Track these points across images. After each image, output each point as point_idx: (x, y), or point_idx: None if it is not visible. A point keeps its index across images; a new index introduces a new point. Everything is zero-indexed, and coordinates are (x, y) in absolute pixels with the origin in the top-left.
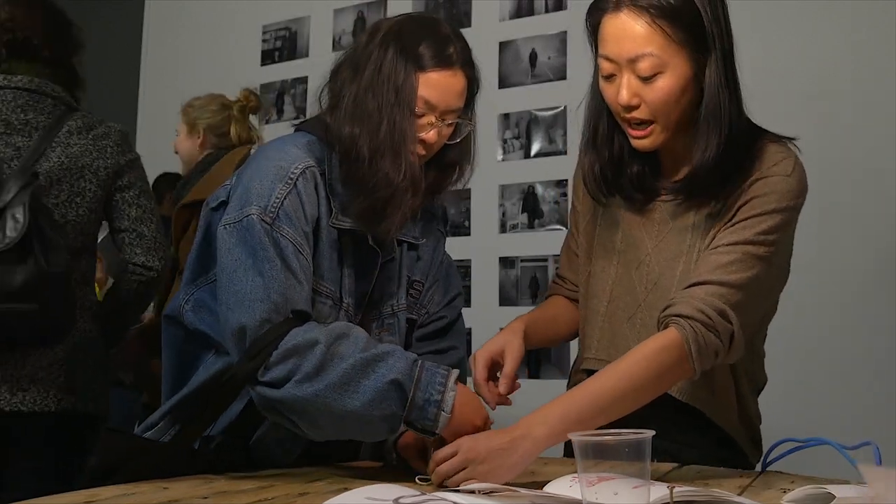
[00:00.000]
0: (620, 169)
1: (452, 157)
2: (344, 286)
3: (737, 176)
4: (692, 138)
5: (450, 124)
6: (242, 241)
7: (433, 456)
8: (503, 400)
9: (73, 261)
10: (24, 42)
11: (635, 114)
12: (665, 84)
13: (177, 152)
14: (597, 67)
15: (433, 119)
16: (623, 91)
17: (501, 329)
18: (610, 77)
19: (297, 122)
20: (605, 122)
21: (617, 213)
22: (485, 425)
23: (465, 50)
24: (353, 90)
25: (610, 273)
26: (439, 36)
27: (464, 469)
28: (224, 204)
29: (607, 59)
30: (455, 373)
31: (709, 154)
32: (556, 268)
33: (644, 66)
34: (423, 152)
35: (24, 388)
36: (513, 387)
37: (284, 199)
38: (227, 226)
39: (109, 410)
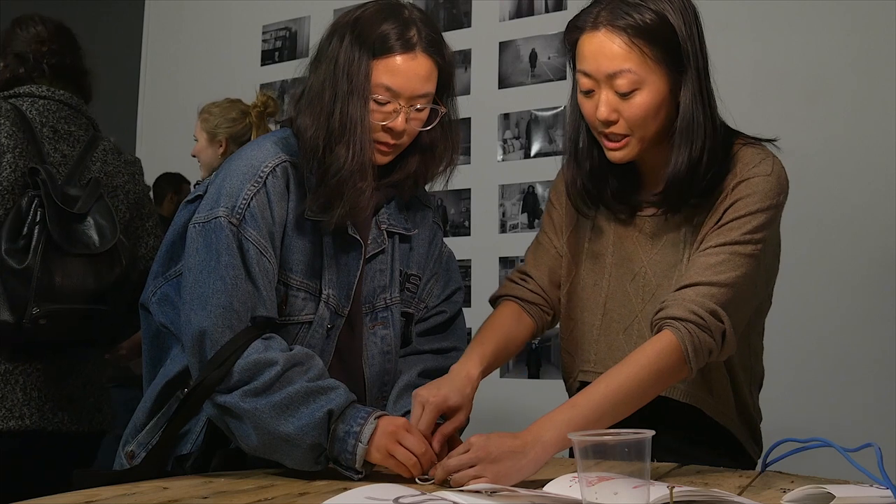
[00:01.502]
0: (601, 182)
1: (431, 143)
2: (325, 278)
3: (717, 182)
4: (670, 154)
5: (419, 109)
6: (209, 243)
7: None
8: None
9: None
10: (68, 67)
11: (613, 128)
12: (642, 100)
13: (194, 156)
14: (575, 83)
15: (398, 105)
16: (602, 107)
17: (453, 368)
18: (588, 93)
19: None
20: (584, 135)
21: (605, 226)
22: (409, 443)
23: (431, 34)
24: (311, 82)
25: (602, 286)
26: (398, 20)
27: (473, 466)
28: (200, 198)
29: (586, 74)
30: (378, 412)
31: (680, 167)
32: (521, 262)
33: (622, 83)
34: (393, 140)
35: (64, 407)
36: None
37: (252, 198)
38: (197, 224)
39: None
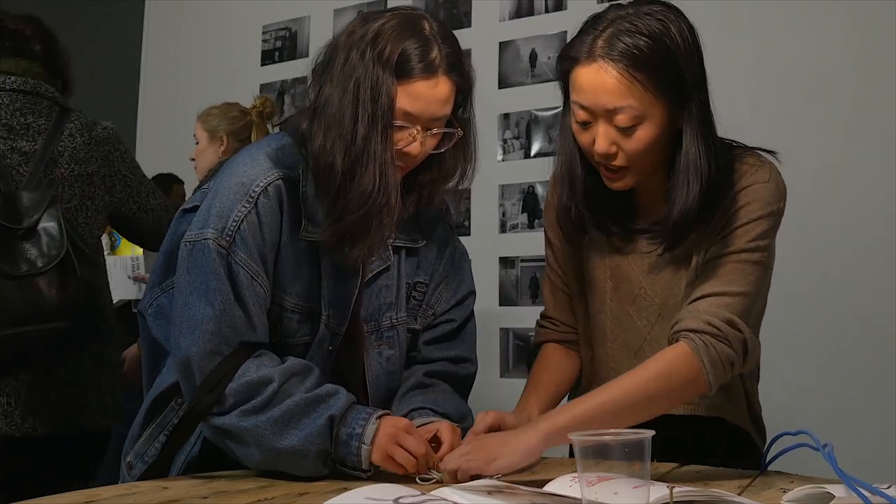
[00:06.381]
0: (595, 205)
1: (446, 162)
2: (324, 298)
3: (718, 201)
4: (666, 178)
5: (434, 134)
6: (197, 265)
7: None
8: None
9: None
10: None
11: (613, 162)
12: (644, 134)
13: (192, 159)
14: (567, 109)
15: (415, 131)
16: (600, 141)
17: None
18: (585, 124)
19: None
20: (578, 160)
21: (598, 251)
22: (409, 445)
23: (451, 52)
24: (328, 95)
25: (606, 314)
26: (420, 38)
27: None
28: (197, 209)
29: (582, 108)
30: (379, 412)
31: (690, 204)
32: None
33: (623, 118)
34: (404, 164)
35: (35, 412)
36: None
37: (243, 220)
38: (187, 243)
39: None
